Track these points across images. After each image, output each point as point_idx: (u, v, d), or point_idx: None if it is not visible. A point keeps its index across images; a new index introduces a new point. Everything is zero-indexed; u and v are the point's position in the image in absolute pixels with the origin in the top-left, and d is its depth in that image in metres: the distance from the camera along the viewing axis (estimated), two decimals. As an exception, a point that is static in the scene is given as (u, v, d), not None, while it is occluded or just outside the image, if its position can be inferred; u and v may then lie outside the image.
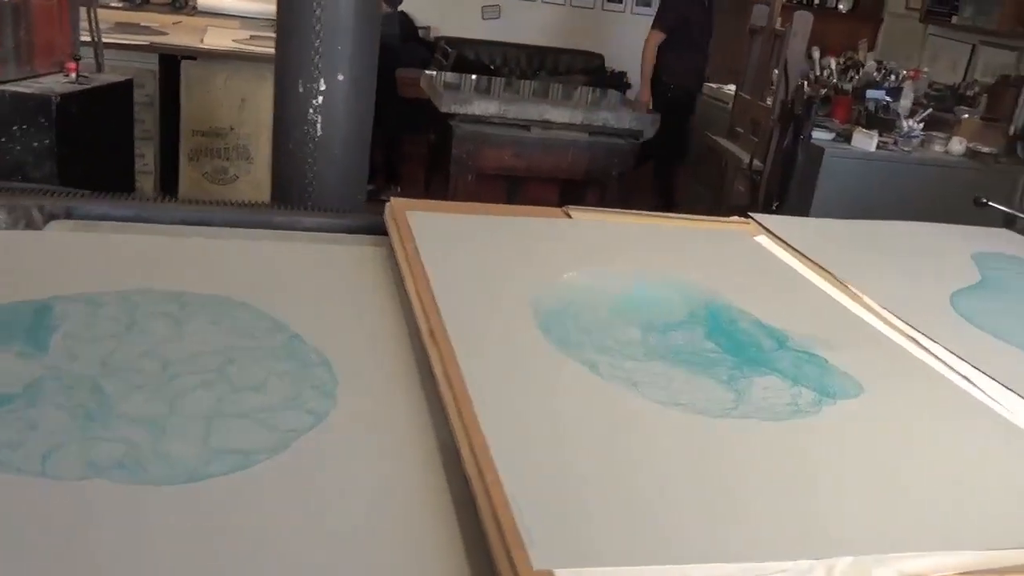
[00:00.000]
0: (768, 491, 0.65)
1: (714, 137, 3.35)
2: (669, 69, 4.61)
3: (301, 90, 2.30)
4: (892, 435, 0.76)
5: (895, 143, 3.09)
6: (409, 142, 4.63)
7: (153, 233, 1.09)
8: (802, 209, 2.84)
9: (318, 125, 2.34)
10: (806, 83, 2.76)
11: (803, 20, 2.78)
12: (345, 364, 0.80)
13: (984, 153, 3.21)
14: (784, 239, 1.32)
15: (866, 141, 2.99)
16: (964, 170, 3.13)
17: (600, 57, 7.03)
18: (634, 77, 7.00)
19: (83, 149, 2.22)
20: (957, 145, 3.19)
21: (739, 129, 3.18)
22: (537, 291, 0.96)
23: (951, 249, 1.41)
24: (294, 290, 0.95)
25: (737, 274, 1.13)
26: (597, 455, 0.67)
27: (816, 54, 3.34)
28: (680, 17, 4.56)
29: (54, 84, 2.20)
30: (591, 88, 4.40)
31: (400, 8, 6.37)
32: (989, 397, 0.88)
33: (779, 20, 3.06)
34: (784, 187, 2.71)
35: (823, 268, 1.21)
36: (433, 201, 1.36)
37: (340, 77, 2.31)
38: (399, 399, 0.76)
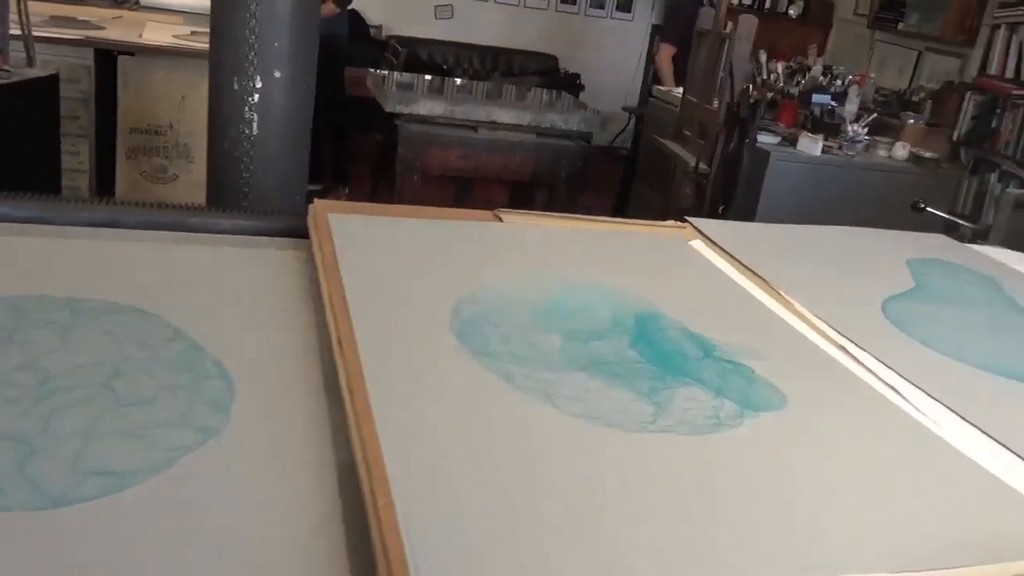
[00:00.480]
0: (682, 512, 0.62)
1: (662, 140, 3.35)
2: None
3: (236, 88, 2.23)
4: (815, 449, 0.74)
5: (840, 148, 3.12)
6: (358, 142, 4.57)
7: (55, 236, 1.03)
8: (748, 212, 2.85)
9: (254, 124, 2.28)
10: (751, 86, 2.77)
11: (748, 23, 2.78)
12: (246, 376, 0.75)
13: (927, 158, 3.26)
14: (719, 244, 1.30)
15: (811, 145, 3.01)
16: (907, 175, 3.17)
17: (554, 59, 7.03)
18: (587, 78, 7.02)
19: (3, 147, 2.13)
20: (901, 150, 3.23)
21: (686, 132, 3.18)
22: (458, 297, 0.93)
23: (886, 255, 1.40)
24: (200, 297, 0.90)
25: (668, 280, 1.11)
26: (504, 477, 0.63)
27: (763, 58, 3.36)
28: (688, 26, 4.25)
29: (-27, 77, 2.10)
30: (543, 89, 4.37)
31: (351, 7, 6.31)
32: (915, 408, 0.86)
33: (725, 23, 3.06)
34: (730, 190, 2.71)
35: (756, 274, 1.19)
36: (361, 203, 1.31)
37: (277, 75, 2.26)
38: (300, 414, 0.71)
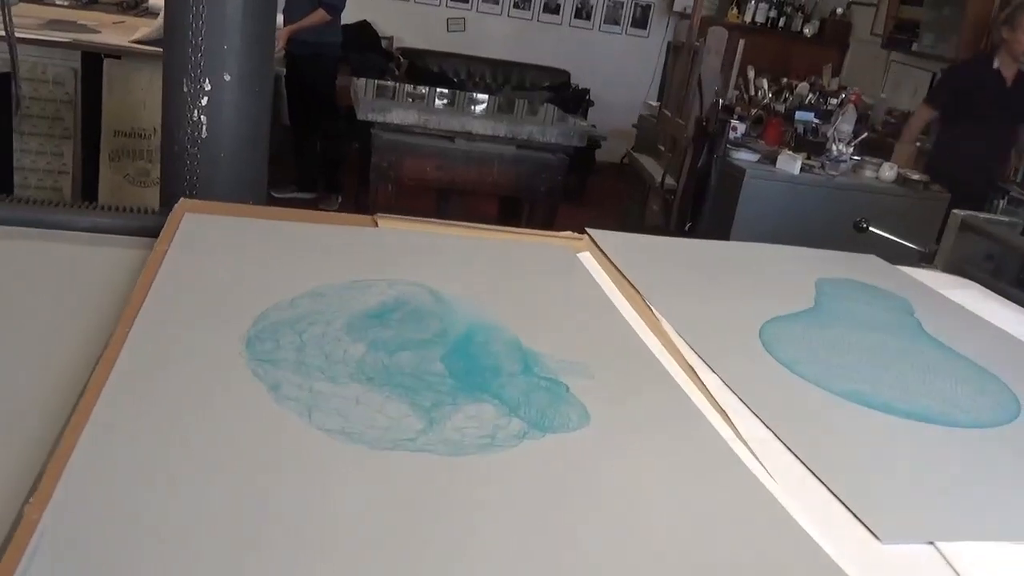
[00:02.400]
0: (392, 534, 0.57)
1: (635, 154, 3.28)
2: (941, 156, 3.52)
3: (185, 89, 2.21)
4: (585, 473, 0.68)
5: (822, 167, 3.04)
6: (351, 152, 4.56)
7: None
8: (720, 231, 2.77)
9: (203, 127, 2.26)
10: (721, 101, 2.70)
11: (717, 36, 2.72)
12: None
13: (914, 180, 3.16)
14: (609, 257, 1.24)
15: (790, 163, 2.93)
16: (888, 196, 3.07)
17: (566, 74, 6.99)
18: (597, 93, 6.97)
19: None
20: (888, 171, 3.14)
21: (661, 147, 3.11)
22: (275, 302, 0.88)
23: (799, 274, 1.33)
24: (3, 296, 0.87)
25: (532, 292, 1.06)
26: (212, 490, 0.58)
27: (751, 73, 3.29)
28: (959, 96, 3.48)
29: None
30: (529, 103, 4.33)
31: (364, 19, 6.33)
32: (743, 444, 0.80)
33: (698, 36, 3.00)
34: (697, 207, 2.64)
35: (636, 289, 1.13)
36: (233, 205, 1.28)
37: (227, 77, 2.23)
38: (43, 423, 0.67)
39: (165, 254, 0.96)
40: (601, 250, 1.27)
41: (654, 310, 1.07)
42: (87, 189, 3.42)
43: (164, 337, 0.78)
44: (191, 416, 0.66)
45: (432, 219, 1.24)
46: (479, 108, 3.78)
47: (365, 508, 0.59)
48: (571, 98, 6.69)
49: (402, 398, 0.74)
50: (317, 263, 1.02)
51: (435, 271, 1.05)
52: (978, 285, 1.49)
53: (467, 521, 0.60)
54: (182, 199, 1.18)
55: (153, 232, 1.07)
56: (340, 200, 4.59)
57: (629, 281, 1.16)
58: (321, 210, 1.14)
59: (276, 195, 4.40)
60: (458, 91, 4.74)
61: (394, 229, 1.20)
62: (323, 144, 4.49)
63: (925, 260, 1.68)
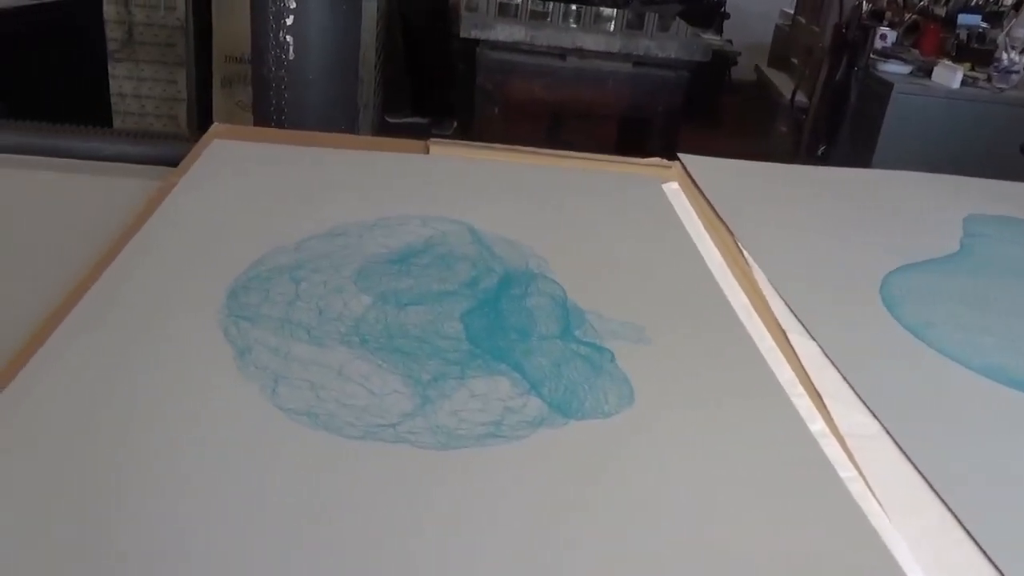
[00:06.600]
0: (345, 547, 0.44)
1: (762, 68, 2.93)
2: None
3: (272, 8, 2.11)
4: (605, 486, 0.52)
5: (988, 79, 2.61)
6: (459, 74, 4.39)
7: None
8: (862, 156, 2.44)
9: (289, 48, 2.16)
10: (866, 2, 2.33)
11: (865, -74, 2.33)
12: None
13: (1104, 94, 2.67)
14: (701, 188, 1.04)
15: (949, 75, 2.53)
16: (1072, 113, 2.61)
17: (700, -15, 6.47)
18: (734, 4, 6.44)
19: (36, 72, 2.13)
20: (1071, 83, 2.67)
21: (794, 60, 2.75)
22: (279, 243, 0.76)
23: (943, 210, 1.09)
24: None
25: (595, 232, 0.88)
26: (125, 476, 0.47)
27: (906, -28, 2.86)
28: None
29: (-1, -1, 2.10)
30: (651, 15, 4.00)
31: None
32: (839, 443, 0.61)
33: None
34: (833, 128, 2.32)
35: (727, 228, 0.94)
36: (273, 130, 1.16)
37: (313, -6, 2.10)
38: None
39: (174, 187, 0.85)
40: (692, 180, 1.07)
41: (746, 254, 0.88)
42: (202, 116, 3.45)
43: (136, 283, 0.67)
44: (129, 385, 0.55)
45: (493, 144, 1.07)
46: (606, 25, 3.52)
47: (316, 514, 0.46)
48: (704, 11, 6.21)
49: (396, 367, 0.60)
50: (346, 197, 0.88)
51: (484, 207, 0.89)
52: None
53: (444, 542, 0.46)
54: (215, 124, 1.07)
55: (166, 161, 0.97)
56: (455, 125, 4.46)
57: (720, 218, 0.96)
58: (434, 135, 1.01)
59: (390, 120, 4.32)
60: (583, 7, 4.46)
61: (448, 156, 1.05)
62: (437, 66, 4.35)
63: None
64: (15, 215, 0.83)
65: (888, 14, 2.81)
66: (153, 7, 3.26)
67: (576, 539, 0.47)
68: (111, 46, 3.05)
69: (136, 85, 3.27)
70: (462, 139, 1.06)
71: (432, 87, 4.44)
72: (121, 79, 3.15)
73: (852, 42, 2.30)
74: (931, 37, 2.78)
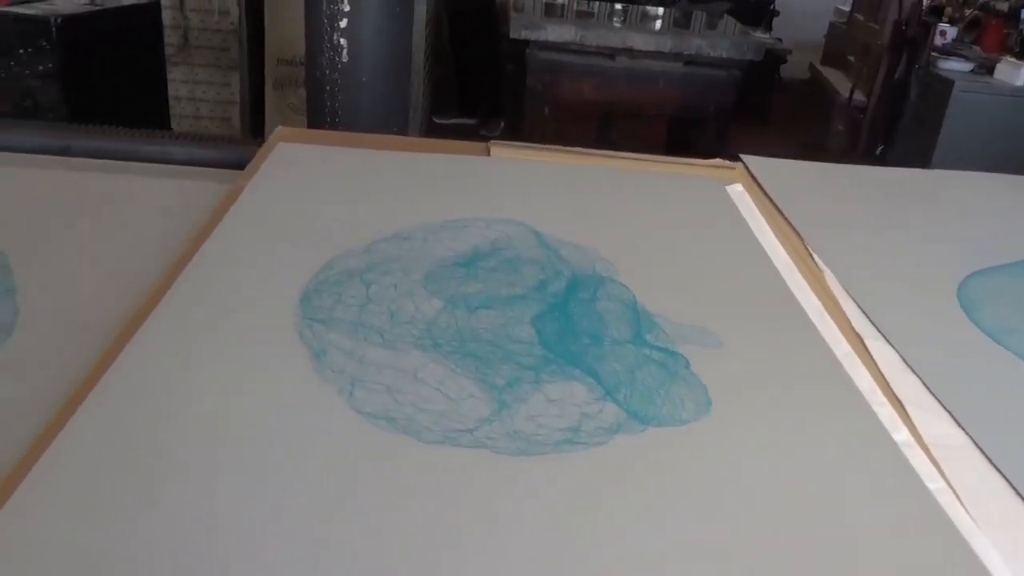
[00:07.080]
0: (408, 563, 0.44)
1: (818, 67, 2.88)
2: None
3: (326, 11, 2.13)
4: (688, 495, 0.51)
5: (1055, 76, 2.53)
6: (508, 75, 4.39)
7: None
8: (921, 156, 2.38)
9: (343, 51, 2.18)
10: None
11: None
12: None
13: None
14: (766, 189, 1.02)
15: (1013, 72, 2.45)
16: None
17: (749, -17, 6.39)
18: (784, 1, 6.34)
19: (97, 75, 2.18)
20: None
21: (850, 58, 2.69)
22: (348, 246, 0.76)
23: (1013, 211, 1.06)
24: (74, 227, 0.80)
25: (661, 235, 0.87)
26: (196, 480, 0.47)
27: (967, -33, 2.78)
28: None
29: (64, 5, 2.16)
30: (702, 16, 3.95)
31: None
32: (924, 452, 0.59)
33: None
34: (891, 128, 2.27)
35: (795, 230, 0.92)
36: (336, 133, 1.17)
37: (367, -3, 2.12)
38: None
39: (243, 190, 0.87)
40: (756, 181, 1.05)
41: (816, 258, 0.86)
42: (255, 118, 3.51)
43: (214, 284, 0.67)
44: (208, 389, 0.55)
45: (554, 146, 1.07)
46: (652, 24, 3.49)
47: (397, 519, 0.46)
48: (753, 8, 6.13)
49: (471, 373, 0.60)
50: (411, 200, 0.88)
51: (547, 209, 0.89)
52: None
53: (522, 549, 0.45)
54: (279, 127, 1.09)
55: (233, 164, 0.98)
56: (503, 125, 4.46)
57: (787, 220, 0.95)
58: (482, 136, 1.01)
59: (438, 120, 4.34)
60: (630, 6, 4.43)
61: (509, 158, 1.05)
62: (484, 66, 4.37)
63: None
64: (97, 216, 0.85)
65: (948, 10, 2.74)
66: (207, 12, 3.32)
67: (659, 548, 0.46)
68: (168, 51, 3.11)
69: (191, 88, 3.33)
70: (511, 139, 1.06)
71: (479, 88, 4.45)
72: (177, 83, 3.21)
73: (912, 39, 2.25)
74: (993, 33, 2.70)
